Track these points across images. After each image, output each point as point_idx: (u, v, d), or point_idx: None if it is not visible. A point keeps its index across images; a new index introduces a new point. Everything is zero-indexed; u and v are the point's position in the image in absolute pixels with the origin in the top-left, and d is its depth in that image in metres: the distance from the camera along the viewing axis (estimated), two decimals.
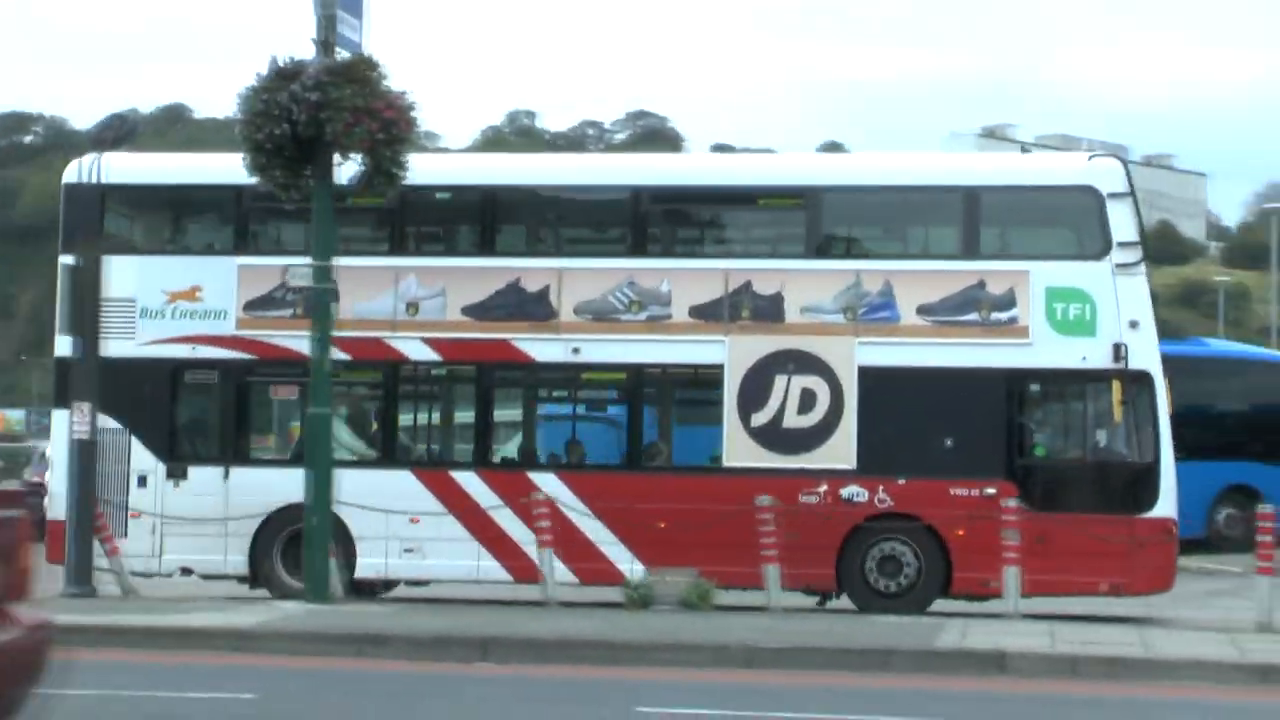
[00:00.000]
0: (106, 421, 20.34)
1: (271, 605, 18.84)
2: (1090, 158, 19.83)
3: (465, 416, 20.76)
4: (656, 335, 19.97)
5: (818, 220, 20.11)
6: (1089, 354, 19.39)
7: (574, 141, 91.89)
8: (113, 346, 20.39)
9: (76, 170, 20.73)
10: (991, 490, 19.38)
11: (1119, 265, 19.43)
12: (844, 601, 19.90)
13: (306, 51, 18.53)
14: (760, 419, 19.79)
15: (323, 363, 18.66)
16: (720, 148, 60.93)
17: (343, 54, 18.57)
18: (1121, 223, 19.47)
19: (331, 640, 16.35)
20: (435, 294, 20.28)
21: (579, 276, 20.15)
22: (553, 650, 16.00)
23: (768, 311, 19.86)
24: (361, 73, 18.25)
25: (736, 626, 17.19)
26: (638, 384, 20.17)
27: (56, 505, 20.23)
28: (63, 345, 20.44)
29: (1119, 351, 19.28)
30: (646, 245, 20.39)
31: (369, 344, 20.31)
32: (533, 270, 20.18)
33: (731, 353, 19.86)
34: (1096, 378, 19.46)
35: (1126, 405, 19.30)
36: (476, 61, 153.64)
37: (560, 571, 19.81)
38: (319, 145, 18.26)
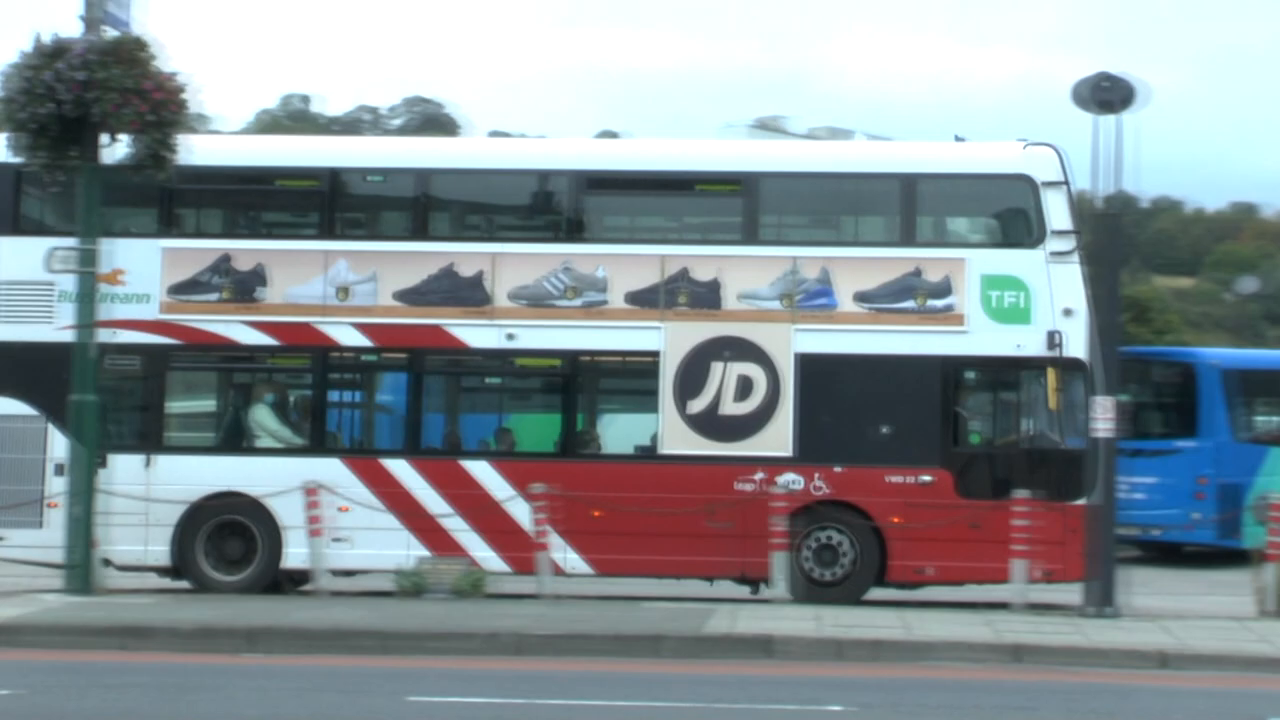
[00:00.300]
0: (23, 408, 19.76)
1: (32, 597, 18.33)
2: (1025, 146, 19.82)
3: (397, 403, 20.36)
4: (593, 321, 19.75)
5: (755, 207, 19.99)
6: (1024, 342, 19.47)
7: (349, 126, 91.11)
8: (29, 330, 19.82)
9: None
10: (928, 478, 19.40)
11: (1054, 253, 19.52)
12: (622, 587, 19.80)
13: (73, 29, 18.19)
14: (697, 406, 19.64)
15: (87, 349, 18.37)
16: (497, 133, 60.81)
17: (111, 33, 18.21)
18: (1056, 211, 19.56)
19: (94, 633, 16.15)
20: (367, 279, 19.90)
21: (514, 261, 19.88)
22: (323, 640, 15.99)
23: (705, 298, 19.71)
24: (130, 52, 17.91)
25: (509, 614, 17.29)
26: (574, 371, 19.92)
27: None
28: None
29: (1054, 339, 19.37)
30: (582, 230, 20.16)
31: (298, 329, 19.89)
32: (466, 255, 19.86)
33: (669, 339, 19.70)
34: (1031, 365, 19.53)
35: (1060, 393, 19.39)
36: (251, 43, 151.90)
37: (494, 561, 19.61)
38: (86, 126, 17.93)
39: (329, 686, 13.82)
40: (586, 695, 13.54)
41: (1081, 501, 19.17)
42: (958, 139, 20.74)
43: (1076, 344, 19.40)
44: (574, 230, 20.10)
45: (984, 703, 13.34)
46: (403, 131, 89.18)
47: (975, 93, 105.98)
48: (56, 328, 19.82)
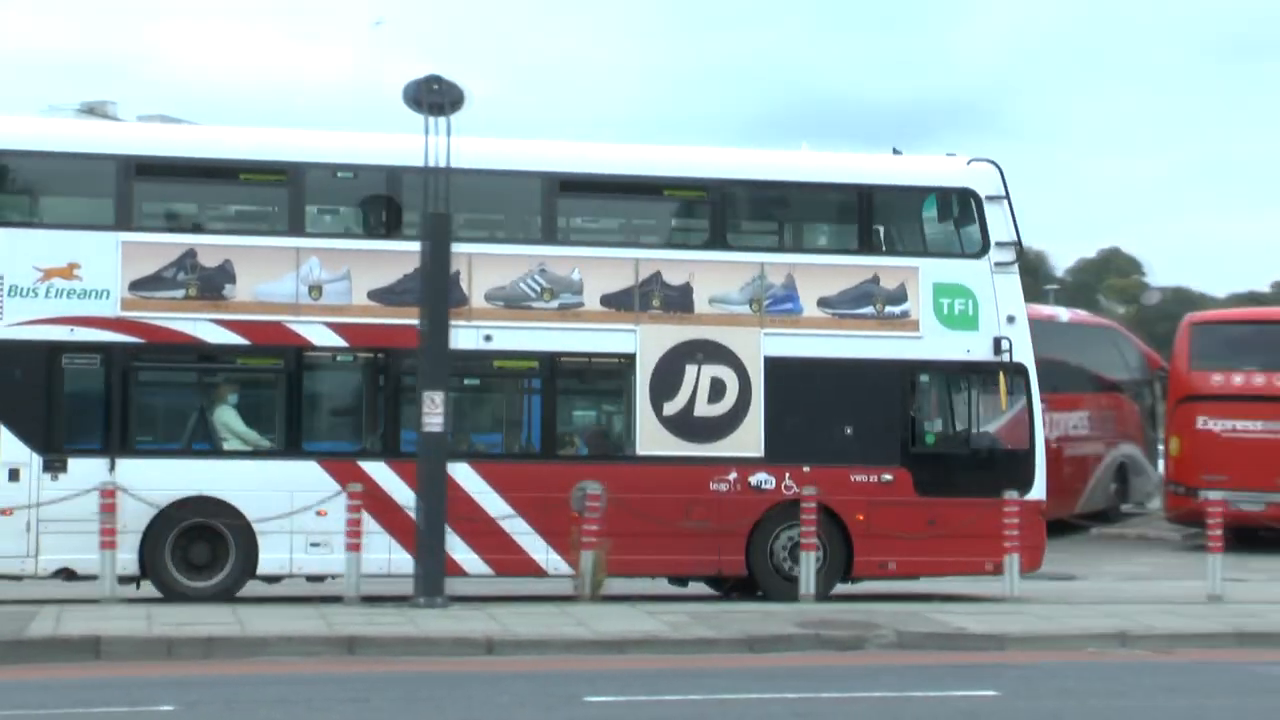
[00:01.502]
0: None
1: None
2: (969, 162, 20.91)
3: (374, 405, 19.91)
4: (569, 324, 19.83)
5: (721, 213, 20.45)
6: (972, 347, 20.56)
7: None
8: None
9: None
10: (888, 476, 20.28)
11: (997, 264, 20.69)
12: None
13: None
14: (671, 408, 19.96)
15: None
16: None
17: None
18: (998, 223, 20.73)
19: None
20: (339, 277, 19.44)
21: (489, 262, 19.77)
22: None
23: (677, 301, 20.06)
24: None
25: None
26: (550, 372, 19.93)
27: None
28: None
29: (999, 345, 20.54)
30: (556, 232, 20.19)
31: (269, 328, 19.26)
32: None
33: (643, 342, 19.95)
34: (980, 369, 20.66)
35: (1008, 396, 20.55)
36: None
37: (474, 564, 19.48)
38: None
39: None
40: None
41: (1025, 497, 20.42)
42: (895, 152, 21.66)
43: (1021, 349, 20.62)
44: (548, 232, 20.11)
45: (318, 695, 13.47)
46: None
47: (306, 87, 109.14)
48: (6, 324, 18.69)
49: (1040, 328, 22.86)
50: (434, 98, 18.31)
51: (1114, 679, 14.80)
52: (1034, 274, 50.60)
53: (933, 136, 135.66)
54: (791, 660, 15.97)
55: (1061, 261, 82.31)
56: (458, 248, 19.64)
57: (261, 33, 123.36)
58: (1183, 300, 68.33)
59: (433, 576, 18.24)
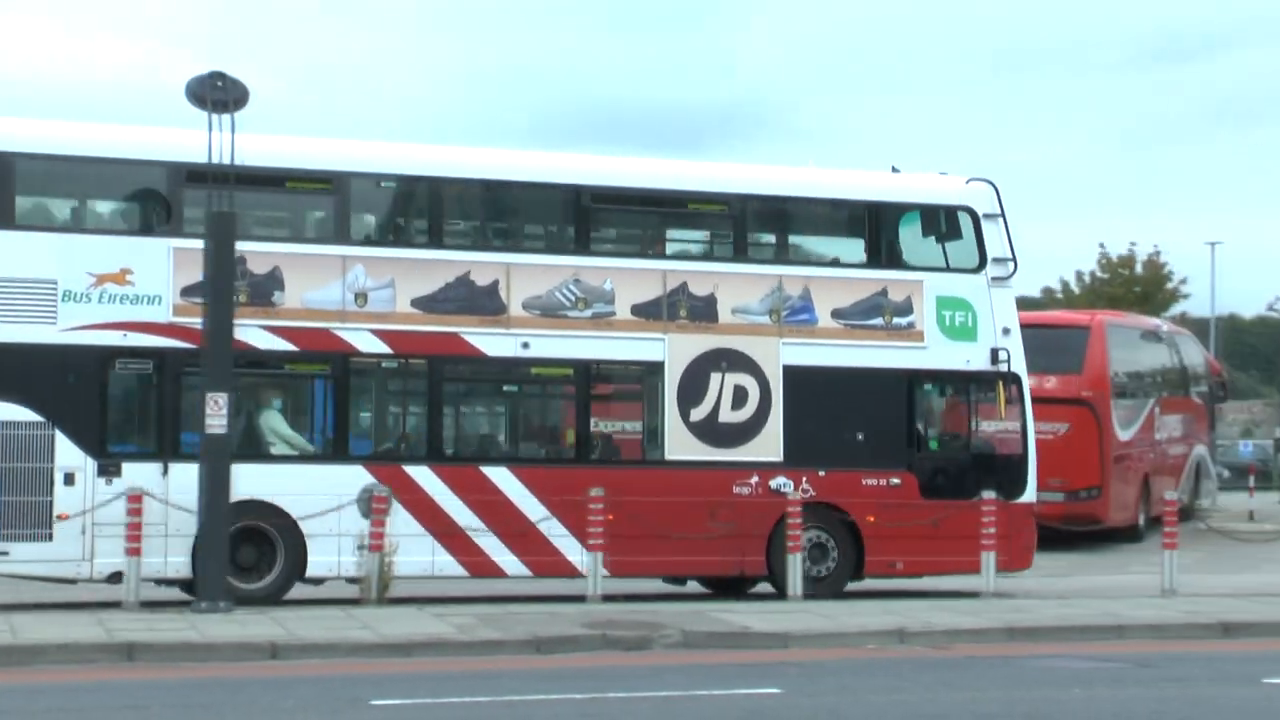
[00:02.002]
0: (27, 414, 18.56)
1: None
2: (968, 181, 22.01)
3: (416, 409, 20.35)
4: (601, 332, 20.49)
5: (743, 226, 21.28)
6: (972, 357, 21.71)
7: None
8: (30, 331, 18.64)
9: None
10: (896, 480, 21.34)
11: (994, 278, 21.87)
12: None
13: None
14: (698, 414, 20.75)
15: None
16: None
17: None
18: (994, 240, 21.89)
19: None
20: (384, 285, 19.84)
21: (527, 272, 20.32)
22: None
23: (702, 311, 20.84)
24: None
25: None
26: (585, 379, 20.57)
27: None
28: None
29: (996, 355, 21.71)
30: (590, 243, 20.82)
31: (316, 334, 19.60)
32: (482, 264, 20.15)
33: (671, 350, 20.70)
34: (979, 379, 21.82)
35: (1006, 404, 21.74)
36: None
37: (513, 565, 20.06)
38: None
39: None
40: None
41: (1019, 500, 21.67)
42: (894, 170, 22.67)
43: (1015, 359, 21.81)
44: (582, 243, 20.73)
45: (94, 704, 13.21)
46: None
47: (87, 82, 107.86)
48: (60, 329, 18.76)
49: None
50: (218, 94, 18.15)
51: (893, 674, 15.08)
52: None
53: (716, 141, 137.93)
54: (579, 661, 15.91)
55: None
56: (496, 257, 20.24)
57: (39, 27, 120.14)
58: None
59: (214, 581, 18.06)
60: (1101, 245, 55.41)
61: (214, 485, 18.18)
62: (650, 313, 20.68)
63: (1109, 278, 54.86)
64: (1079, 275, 56.14)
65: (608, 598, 19.55)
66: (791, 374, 21.07)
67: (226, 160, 18.21)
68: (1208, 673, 15.35)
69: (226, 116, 18.16)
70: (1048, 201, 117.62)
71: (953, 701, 13.30)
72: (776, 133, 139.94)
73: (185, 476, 18.85)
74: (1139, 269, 54.97)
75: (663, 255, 21.40)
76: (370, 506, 18.99)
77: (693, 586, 22.13)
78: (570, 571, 20.20)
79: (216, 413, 18.11)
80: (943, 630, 17.79)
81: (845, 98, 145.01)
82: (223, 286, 18.43)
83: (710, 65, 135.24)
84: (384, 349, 19.89)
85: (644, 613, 18.33)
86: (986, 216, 21.89)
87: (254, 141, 18.77)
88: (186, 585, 19.18)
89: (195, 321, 19.11)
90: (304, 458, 19.68)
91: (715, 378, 20.83)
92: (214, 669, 15.09)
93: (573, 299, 20.44)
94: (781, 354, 21.07)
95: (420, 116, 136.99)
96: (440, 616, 17.87)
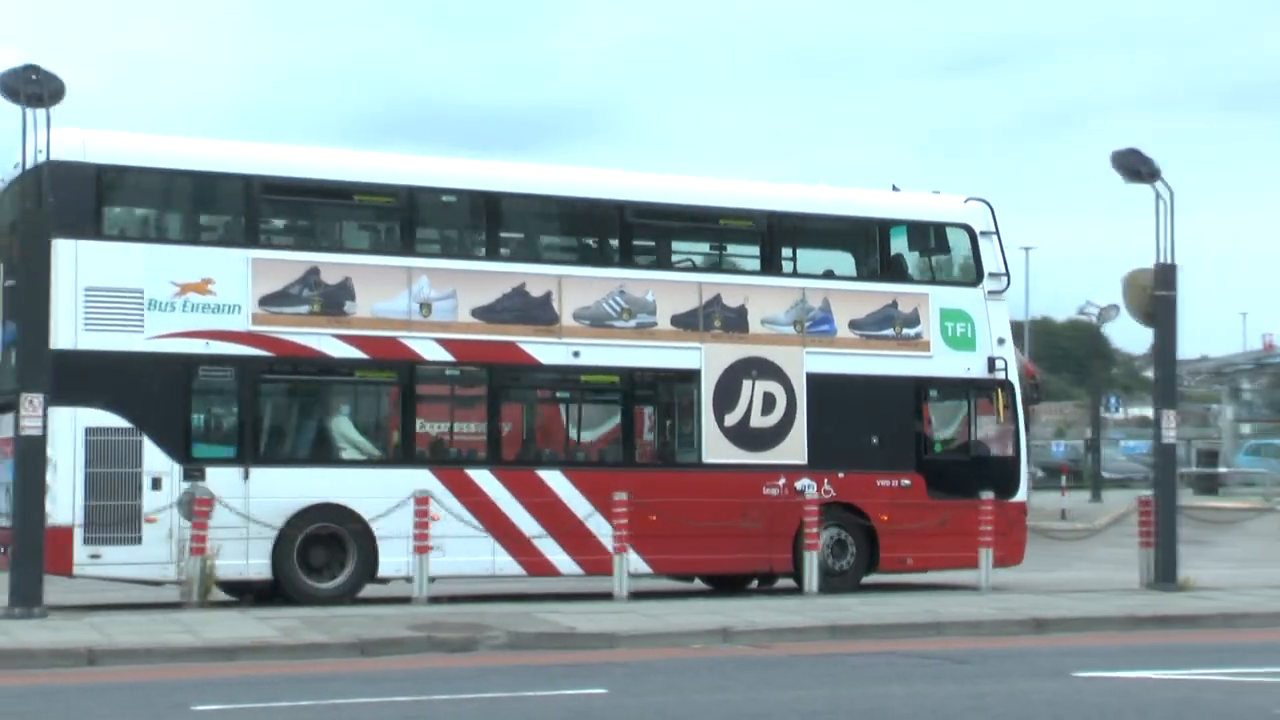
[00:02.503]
0: (115, 420, 19.03)
1: None
2: (966, 200, 23.51)
3: (477, 415, 21.17)
4: (644, 341, 21.57)
5: (771, 241, 22.53)
6: (971, 366, 23.25)
7: None
8: (118, 340, 19.12)
9: (67, 147, 18.90)
10: (907, 481, 22.80)
11: (990, 292, 23.43)
12: None
13: None
14: (731, 419, 21.94)
15: None
16: None
17: None
18: (990, 256, 23.45)
19: None
20: (447, 295, 20.65)
21: (577, 284, 21.31)
22: None
23: (734, 322, 22.04)
24: None
25: None
26: (629, 386, 21.62)
27: (59, 509, 18.62)
28: (65, 336, 18.82)
29: (993, 364, 23.29)
30: (633, 257, 21.88)
31: (385, 343, 20.35)
32: (535, 276, 21.09)
33: (706, 359, 21.86)
34: (978, 386, 23.38)
35: (1002, 409, 23.34)
36: None
37: (566, 564, 21.04)
38: None
39: None
40: None
41: (1013, 499, 23.28)
42: (895, 189, 24.11)
43: (1010, 368, 23.41)
44: (626, 257, 21.78)
45: None
46: None
47: None
48: (147, 337, 19.25)
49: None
50: (32, 88, 17.75)
51: (717, 673, 15.05)
52: None
53: (540, 143, 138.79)
54: (404, 663, 15.71)
55: None
56: (548, 269, 21.21)
57: None
58: None
59: (29, 585, 17.68)
60: None
61: (28, 488, 17.75)
62: (688, 323, 21.82)
63: None
64: None
65: (433, 599, 19.63)
66: (813, 381, 22.36)
67: (40, 157, 17.93)
68: (1021, 668, 15.47)
69: (41, 110, 17.87)
70: None
71: (776, 700, 13.29)
72: (603, 135, 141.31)
73: (263, 480, 19.51)
74: None
75: (698, 268, 22.55)
76: (192, 509, 18.90)
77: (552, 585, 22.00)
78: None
79: (31, 414, 17.74)
80: (766, 629, 17.80)
81: (666, 99, 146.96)
82: (38, 285, 17.87)
83: (533, 67, 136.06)
84: (447, 357, 20.71)
85: (470, 614, 18.35)
86: (983, 234, 23.43)
87: (314, 155, 19.62)
88: (271, 587, 19.83)
89: (273, 330, 19.79)
90: (372, 461, 20.42)
91: (746, 385, 22.04)
92: (28, 676, 14.61)
93: (618, 309, 21.47)
94: (805, 362, 22.36)
95: (241, 112, 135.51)
96: (263, 620, 17.73)
